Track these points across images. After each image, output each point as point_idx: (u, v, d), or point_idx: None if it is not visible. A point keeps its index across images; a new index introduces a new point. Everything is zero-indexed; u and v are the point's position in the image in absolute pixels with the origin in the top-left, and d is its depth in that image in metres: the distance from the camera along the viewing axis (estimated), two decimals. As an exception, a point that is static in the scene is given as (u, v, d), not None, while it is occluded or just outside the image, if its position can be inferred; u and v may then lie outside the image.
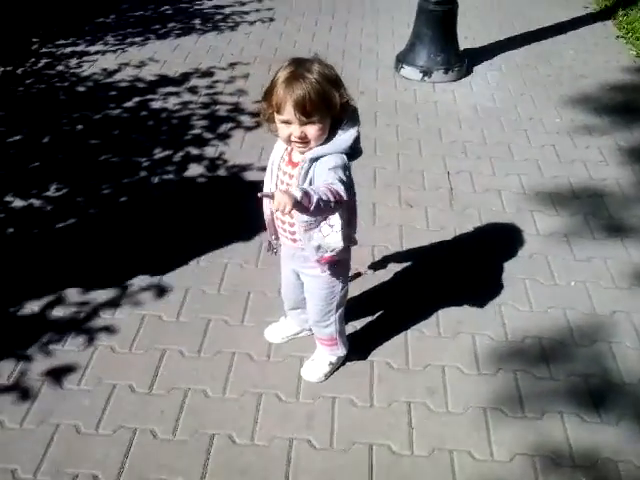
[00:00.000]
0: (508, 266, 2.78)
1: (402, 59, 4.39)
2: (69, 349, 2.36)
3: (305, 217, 1.80)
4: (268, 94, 1.70)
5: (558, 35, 5.03)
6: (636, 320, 2.51)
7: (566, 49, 4.81)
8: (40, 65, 4.51)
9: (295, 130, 1.69)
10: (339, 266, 2.00)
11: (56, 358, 2.32)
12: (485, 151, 3.59)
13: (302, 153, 1.75)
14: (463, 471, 1.98)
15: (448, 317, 2.52)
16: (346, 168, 1.72)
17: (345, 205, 1.74)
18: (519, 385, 2.26)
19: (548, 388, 2.25)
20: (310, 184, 1.73)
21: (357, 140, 1.75)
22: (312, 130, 1.68)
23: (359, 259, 2.73)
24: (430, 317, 2.52)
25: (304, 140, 1.71)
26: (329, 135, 1.73)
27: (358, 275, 2.69)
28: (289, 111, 1.65)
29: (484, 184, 3.30)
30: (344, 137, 1.73)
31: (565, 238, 2.94)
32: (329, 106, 1.67)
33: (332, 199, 1.61)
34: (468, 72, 4.44)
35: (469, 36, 4.90)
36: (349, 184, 1.73)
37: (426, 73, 4.29)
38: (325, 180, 1.67)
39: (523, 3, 5.64)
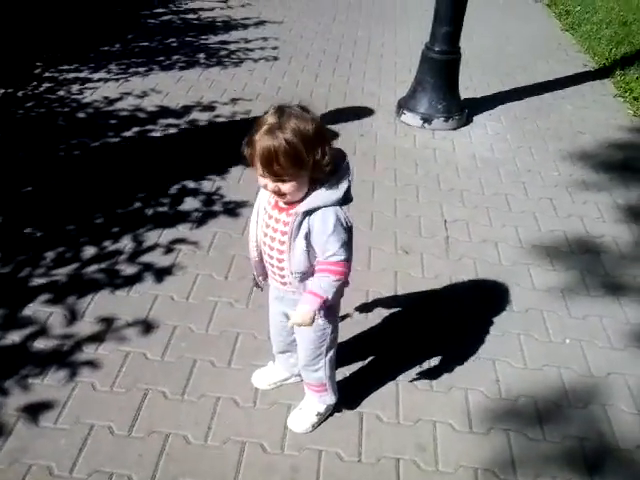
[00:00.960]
0: (503, 320, 2.74)
1: (403, 105, 4.41)
2: (49, 384, 2.27)
3: (301, 269, 1.79)
4: (248, 143, 1.66)
5: (557, 90, 5.08)
6: (632, 383, 2.46)
7: (565, 104, 4.86)
8: (41, 89, 4.49)
9: (269, 184, 1.66)
10: (331, 309, 1.95)
11: (34, 393, 2.23)
12: (482, 201, 3.57)
13: (285, 204, 1.73)
14: (451, 537, 1.90)
15: (440, 370, 2.46)
16: (342, 221, 1.70)
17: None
18: (512, 446, 2.19)
19: (541, 451, 2.18)
20: (306, 238, 1.72)
21: (348, 190, 1.72)
22: (285, 186, 1.65)
23: (352, 303, 2.68)
24: (421, 370, 2.45)
25: (279, 193, 1.68)
26: (315, 184, 1.69)
27: (346, 317, 2.63)
28: (258, 167, 1.64)
29: (481, 234, 3.28)
30: (336, 189, 1.69)
31: (561, 294, 2.90)
32: (300, 165, 1.61)
33: (338, 280, 1.73)
34: (468, 121, 4.46)
35: (470, 86, 4.96)
36: (349, 236, 1.73)
37: (426, 120, 4.31)
38: (325, 250, 1.71)
39: (525, 57, 5.72)
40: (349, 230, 1.73)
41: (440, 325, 2.69)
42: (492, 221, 3.40)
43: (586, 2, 7.06)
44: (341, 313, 2.38)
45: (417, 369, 2.45)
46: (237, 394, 2.29)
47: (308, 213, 1.70)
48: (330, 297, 1.75)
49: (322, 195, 1.69)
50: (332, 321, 2.00)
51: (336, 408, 2.24)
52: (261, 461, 2.07)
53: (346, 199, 1.72)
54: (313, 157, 1.62)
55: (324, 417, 2.21)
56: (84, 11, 5.88)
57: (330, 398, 2.19)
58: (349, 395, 2.29)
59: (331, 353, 2.07)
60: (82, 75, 4.73)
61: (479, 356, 2.54)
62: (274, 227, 1.79)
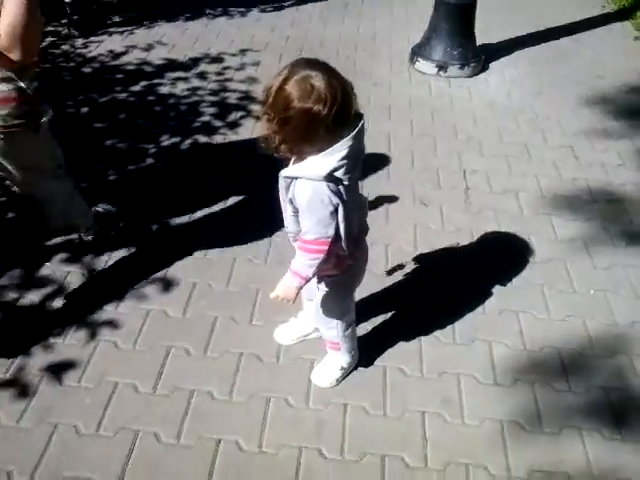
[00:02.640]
0: (525, 272, 2.69)
1: (417, 52, 4.28)
2: (70, 343, 2.26)
3: (292, 230, 1.79)
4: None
5: (575, 34, 4.91)
6: (658, 332, 2.43)
7: (583, 48, 4.70)
8: (44, 44, 4.37)
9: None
10: (337, 284, 1.92)
11: (56, 353, 2.23)
12: (501, 150, 3.49)
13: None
14: (479, 488, 1.90)
15: (464, 324, 2.43)
16: (325, 198, 1.59)
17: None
18: (537, 398, 2.17)
19: (567, 402, 2.16)
20: (291, 203, 1.68)
21: (335, 169, 1.56)
22: (266, 125, 1.57)
23: (371, 257, 2.63)
24: (445, 323, 2.43)
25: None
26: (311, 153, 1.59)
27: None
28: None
29: (501, 184, 3.21)
30: (321, 162, 1.56)
31: (584, 244, 2.85)
32: (285, 108, 1.51)
33: (314, 259, 1.68)
34: (484, 68, 4.33)
35: (485, 31, 4.78)
36: (330, 213, 1.62)
37: (442, 68, 4.18)
38: (302, 224, 1.67)
39: (541, 2, 5.51)
40: (333, 207, 1.61)
41: (462, 278, 2.65)
42: (512, 170, 3.33)
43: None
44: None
45: (440, 323, 2.42)
46: (260, 350, 2.28)
47: (292, 179, 1.64)
48: (309, 275, 1.71)
49: (306, 166, 1.60)
50: (341, 296, 1.97)
51: (359, 362, 2.23)
52: (287, 415, 2.07)
53: (331, 177, 1.59)
54: (303, 108, 1.50)
55: (347, 372, 2.20)
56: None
57: (344, 357, 2.17)
58: (371, 350, 2.28)
59: (345, 316, 2.04)
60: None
61: (502, 308, 2.51)
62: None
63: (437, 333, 2.38)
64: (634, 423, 2.10)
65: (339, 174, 1.59)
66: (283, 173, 1.66)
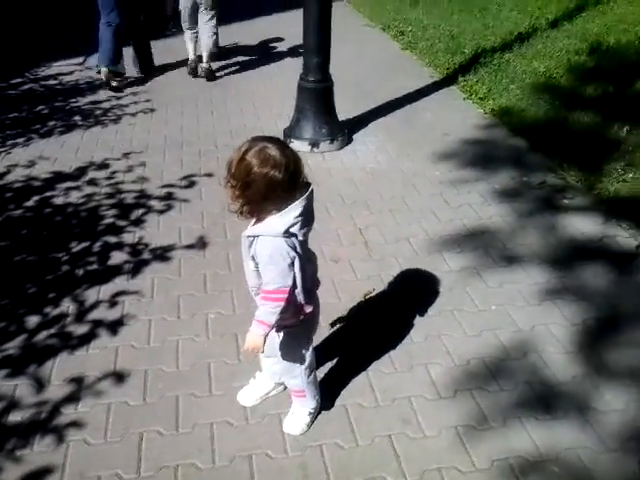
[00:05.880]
0: (436, 301, 3.09)
1: (290, 134, 4.73)
2: (39, 450, 2.26)
3: (254, 284, 2.05)
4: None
5: (415, 101, 5.66)
6: (553, 330, 2.89)
7: (425, 113, 5.42)
8: None
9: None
10: (296, 333, 2.18)
11: (28, 463, 2.21)
12: (385, 206, 3.95)
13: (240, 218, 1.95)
14: (455, 485, 2.17)
15: (399, 354, 2.74)
16: (283, 252, 1.89)
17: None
18: (477, 401, 2.51)
19: (502, 399, 2.52)
20: (254, 260, 1.96)
21: (292, 225, 1.86)
22: (230, 192, 1.88)
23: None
24: (383, 356, 2.73)
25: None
26: (269, 213, 1.89)
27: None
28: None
29: (393, 234, 3.64)
30: (279, 220, 1.87)
31: (475, 270, 3.32)
32: (247, 174, 1.81)
33: (277, 307, 1.93)
34: (350, 141, 4.87)
35: (340, 109, 5.37)
36: (288, 265, 1.90)
37: (314, 145, 4.65)
38: (264, 276, 1.94)
39: (378, 77, 6.27)
40: (290, 260, 1.90)
41: (386, 317, 2.98)
42: (398, 221, 3.78)
43: (415, 23, 7.87)
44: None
45: (379, 357, 2.71)
46: (228, 416, 2.41)
47: (254, 238, 1.93)
48: (273, 322, 1.97)
49: (266, 224, 1.91)
50: (299, 343, 2.22)
51: (323, 407, 2.44)
52: (272, 468, 2.22)
53: (288, 233, 1.88)
54: (263, 174, 1.81)
55: (315, 416, 2.40)
56: None
57: (309, 402, 2.38)
58: (330, 393, 2.51)
59: (307, 363, 2.28)
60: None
61: (426, 334, 2.86)
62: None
63: (380, 366, 2.67)
64: (556, 402, 2.50)
65: (295, 230, 1.89)
66: (246, 233, 1.94)
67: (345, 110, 5.32)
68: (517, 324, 2.93)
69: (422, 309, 3.02)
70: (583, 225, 3.69)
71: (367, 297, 3.11)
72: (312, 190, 1.92)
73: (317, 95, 4.60)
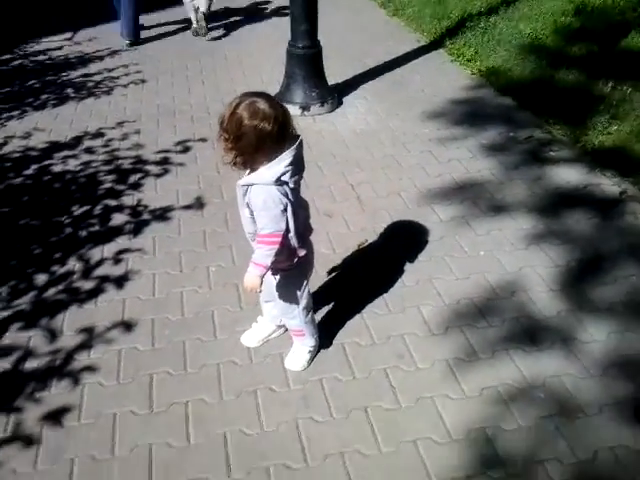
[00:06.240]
0: (426, 248, 3.22)
1: (281, 98, 4.79)
2: (57, 392, 2.40)
3: (250, 230, 2.18)
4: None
5: (404, 65, 5.73)
6: (539, 271, 3.02)
7: (414, 75, 5.51)
8: None
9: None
10: (291, 275, 2.31)
11: (47, 403, 2.36)
12: (376, 164, 4.06)
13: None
14: (447, 410, 2.32)
15: (392, 297, 2.88)
16: (276, 199, 2.01)
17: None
18: (467, 337, 2.65)
19: (490, 334, 2.67)
20: (248, 207, 2.08)
21: (283, 174, 1.98)
22: (223, 145, 1.99)
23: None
24: (378, 299, 2.87)
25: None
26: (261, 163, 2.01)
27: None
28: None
29: (384, 190, 3.76)
30: (271, 169, 1.99)
31: (464, 220, 3.45)
32: (238, 127, 1.92)
33: (271, 249, 2.05)
34: (340, 104, 4.97)
35: (330, 74, 5.45)
36: (281, 211, 2.02)
37: (305, 108, 4.75)
38: (258, 222, 2.06)
39: (367, 43, 6.33)
40: (283, 206, 2.02)
41: (379, 265, 3.11)
42: (389, 177, 3.90)
43: (401, -11, 7.89)
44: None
45: (374, 300, 2.86)
46: (233, 357, 2.56)
47: (248, 187, 2.05)
48: (268, 264, 2.10)
49: (258, 174, 2.03)
50: (296, 284, 2.34)
51: (322, 345, 2.58)
52: (275, 400, 2.37)
53: (279, 181, 2.00)
54: (254, 126, 1.91)
55: (314, 353, 2.54)
56: None
57: (309, 340, 2.52)
58: (328, 332, 2.65)
59: (303, 303, 2.41)
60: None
61: (418, 279, 3.00)
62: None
63: (374, 308, 2.81)
64: (542, 335, 2.65)
65: (286, 178, 2.02)
66: (240, 182, 2.06)
67: (335, 75, 5.41)
68: (505, 267, 3.07)
69: (413, 256, 3.16)
70: (568, 175, 3.82)
71: (361, 247, 3.24)
72: (301, 141, 2.03)
73: (306, 60, 4.68)
